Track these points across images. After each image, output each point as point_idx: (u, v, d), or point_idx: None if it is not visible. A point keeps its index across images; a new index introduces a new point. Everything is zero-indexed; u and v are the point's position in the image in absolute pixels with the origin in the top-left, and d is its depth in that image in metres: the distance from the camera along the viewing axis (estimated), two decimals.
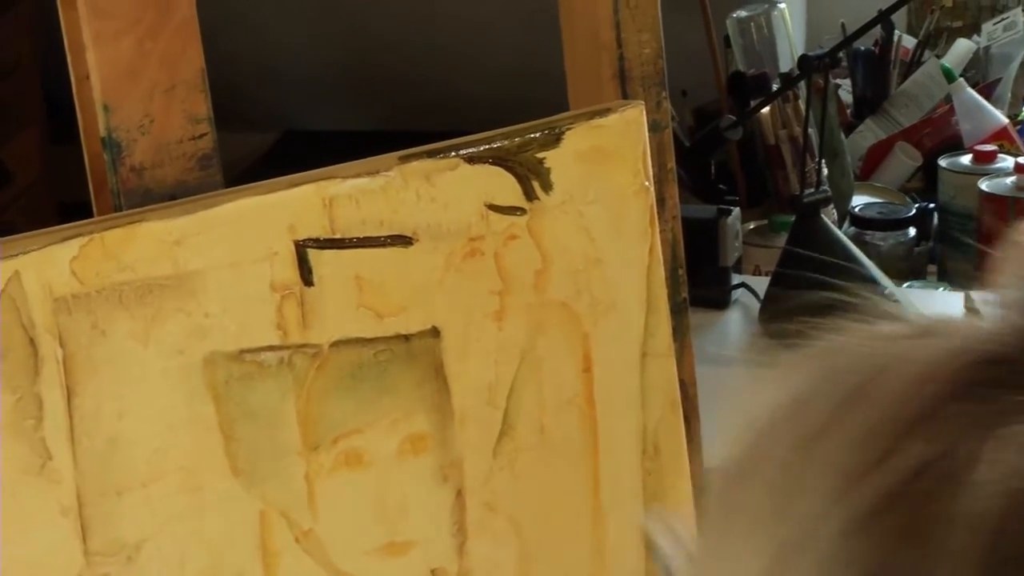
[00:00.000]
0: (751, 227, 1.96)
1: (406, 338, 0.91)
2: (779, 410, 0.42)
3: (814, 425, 0.41)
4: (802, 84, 1.88)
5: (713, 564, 0.45)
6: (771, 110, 1.96)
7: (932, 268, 1.95)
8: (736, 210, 1.91)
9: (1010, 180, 1.84)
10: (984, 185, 1.85)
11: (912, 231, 1.93)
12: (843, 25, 2.17)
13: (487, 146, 0.93)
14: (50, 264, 0.79)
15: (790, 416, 0.42)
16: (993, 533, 0.36)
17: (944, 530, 0.37)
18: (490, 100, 2.33)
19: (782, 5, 2.09)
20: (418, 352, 0.91)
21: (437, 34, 2.70)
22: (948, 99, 2.15)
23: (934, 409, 0.39)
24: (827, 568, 0.39)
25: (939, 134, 2.13)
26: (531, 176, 0.94)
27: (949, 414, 0.39)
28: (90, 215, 0.87)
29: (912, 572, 0.37)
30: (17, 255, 0.80)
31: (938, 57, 2.23)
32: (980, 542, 0.37)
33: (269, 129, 2.82)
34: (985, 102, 2.12)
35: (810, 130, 1.80)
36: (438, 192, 0.92)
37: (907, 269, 1.90)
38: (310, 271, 0.88)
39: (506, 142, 0.94)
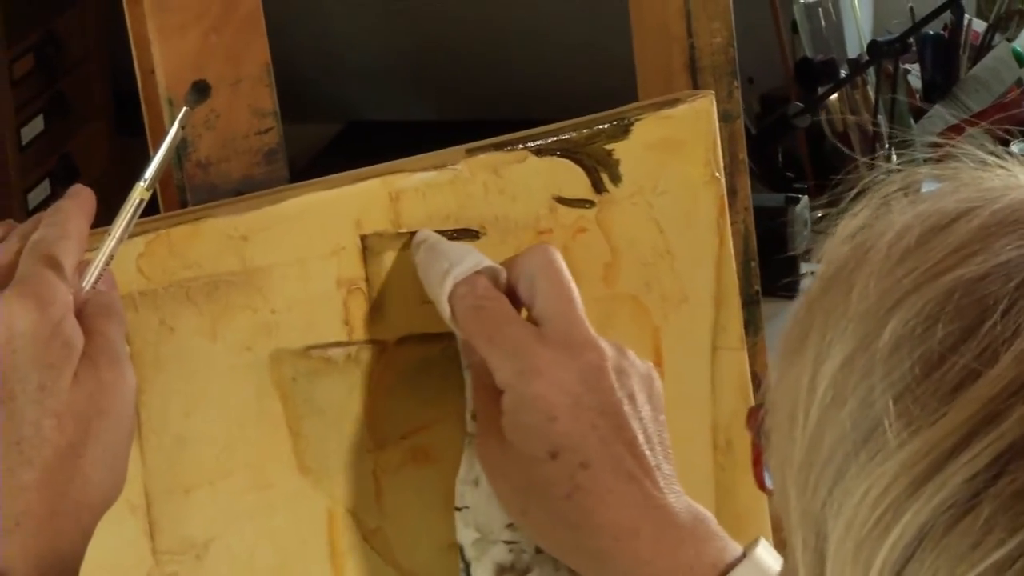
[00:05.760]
0: (820, 215, 1.94)
1: None
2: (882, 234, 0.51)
3: (903, 248, 0.50)
4: (871, 70, 1.86)
5: (792, 358, 0.52)
6: (839, 96, 1.94)
7: None
8: (804, 198, 1.89)
9: None
10: None
11: None
12: (911, 9, 2.14)
13: (555, 138, 0.92)
14: (116, 261, 0.79)
15: (893, 239, 0.51)
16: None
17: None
18: (559, 88, 2.31)
19: None
20: None
21: (504, 20, 2.69)
22: (1019, 83, 2.12)
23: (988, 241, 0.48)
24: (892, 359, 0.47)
25: (1010, 119, 2.10)
26: (600, 168, 0.93)
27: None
28: (156, 211, 0.86)
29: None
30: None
31: (1009, 40, 2.19)
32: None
33: (332, 120, 2.81)
34: None
35: (879, 116, 1.77)
36: (506, 185, 0.90)
37: None
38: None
39: (574, 134, 0.92)
